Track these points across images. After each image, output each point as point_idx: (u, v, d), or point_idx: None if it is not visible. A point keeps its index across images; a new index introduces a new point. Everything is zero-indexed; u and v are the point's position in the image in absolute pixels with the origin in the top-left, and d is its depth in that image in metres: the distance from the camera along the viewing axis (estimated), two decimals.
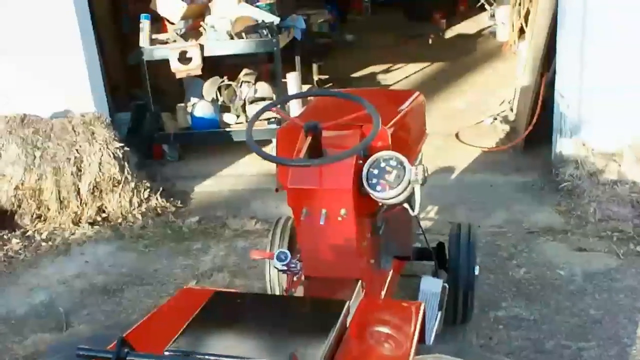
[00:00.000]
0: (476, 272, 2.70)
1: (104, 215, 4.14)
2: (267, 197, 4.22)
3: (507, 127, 5.15)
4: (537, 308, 2.97)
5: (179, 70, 4.80)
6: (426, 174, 1.98)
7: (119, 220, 4.10)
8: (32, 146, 4.08)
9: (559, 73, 4.22)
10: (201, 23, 4.97)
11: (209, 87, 5.13)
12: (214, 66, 5.26)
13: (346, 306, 1.60)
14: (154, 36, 4.91)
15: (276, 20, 4.98)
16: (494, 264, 3.35)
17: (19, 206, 4.05)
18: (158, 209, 4.23)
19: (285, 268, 2.10)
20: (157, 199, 4.28)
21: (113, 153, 4.14)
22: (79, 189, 4.07)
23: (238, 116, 5.07)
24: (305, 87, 5.85)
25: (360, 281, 2.06)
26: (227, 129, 5.01)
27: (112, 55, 5.84)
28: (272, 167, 2.48)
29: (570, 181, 4.03)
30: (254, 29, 4.80)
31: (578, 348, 2.70)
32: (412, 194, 2.00)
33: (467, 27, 8.78)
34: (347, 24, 9.10)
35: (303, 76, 5.96)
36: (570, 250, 3.47)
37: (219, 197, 4.48)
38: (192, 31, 4.99)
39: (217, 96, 5.12)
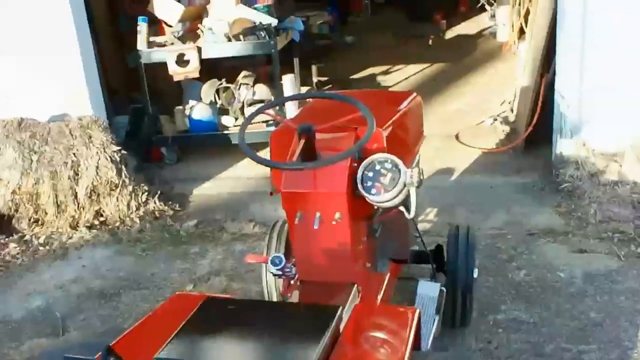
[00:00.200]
0: (475, 275, 2.68)
1: (101, 219, 4.12)
2: (266, 200, 4.18)
3: (507, 128, 5.12)
4: (537, 311, 2.94)
5: (176, 73, 4.78)
6: (422, 177, 1.96)
7: (117, 224, 4.08)
8: (29, 150, 4.06)
9: (559, 73, 4.19)
10: (199, 25, 4.95)
11: (207, 90, 5.11)
12: (213, 68, 5.24)
13: (339, 312, 1.57)
14: (151, 39, 4.89)
15: (274, 22, 4.96)
16: (493, 266, 3.32)
17: (16, 210, 4.03)
18: (156, 213, 4.20)
19: (280, 273, 2.08)
20: (155, 202, 4.26)
21: (110, 156, 4.12)
22: (76, 193, 4.05)
23: (236, 118, 5.05)
24: (304, 89, 5.84)
25: (355, 285, 2.04)
26: (226, 132, 4.99)
27: (110, 58, 5.83)
28: (269, 169, 2.46)
29: (571, 182, 4.00)
30: (252, 31, 4.78)
31: (578, 351, 2.66)
32: (408, 196, 1.97)
33: (467, 27, 8.75)
34: (347, 25, 9.08)
35: (302, 78, 5.95)
36: (570, 251, 3.44)
37: (217, 200, 4.46)
38: (190, 34, 4.97)
39: (215, 99, 5.10)
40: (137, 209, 4.18)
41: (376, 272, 2.29)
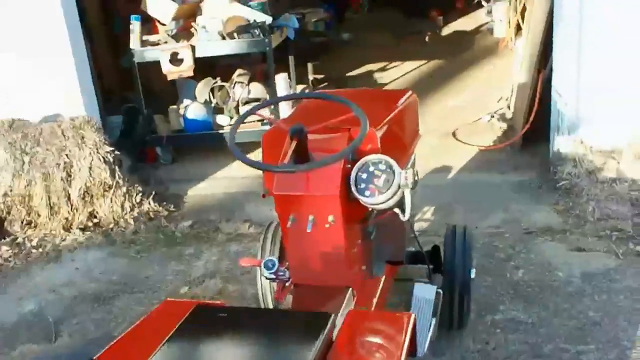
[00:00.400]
0: (472, 276, 2.64)
1: (95, 220, 4.07)
2: (261, 200, 4.11)
3: (504, 125, 5.09)
4: (535, 311, 2.91)
5: (170, 72, 4.73)
6: (416, 178, 1.92)
7: (111, 226, 4.04)
8: (20, 151, 4.02)
9: (556, 70, 4.15)
10: (192, 24, 4.90)
11: (202, 89, 5.07)
12: (208, 67, 5.20)
13: (331, 320, 1.53)
14: (144, 37, 4.84)
15: (268, 19, 4.91)
16: (491, 266, 3.28)
17: (9, 213, 3.99)
18: (150, 214, 4.17)
19: (273, 276, 2.04)
20: (149, 203, 4.22)
21: (103, 157, 4.08)
22: (69, 194, 4.01)
23: (231, 117, 5.01)
24: (300, 87, 5.79)
25: (350, 289, 2.00)
26: (221, 131, 4.95)
27: (104, 58, 5.78)
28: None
29: (569, 180, 3.96)
30: (246, 29, 4.73)
31: (577, 351, 2.63)
32: (403, 198, 1.93)
33: (464, 24, 8.71)
34: (343, 22, 9.03)
35: (298, 76, 5.90)
36: (568, 250, 3.40)
37: (212, 200, 4.42)
38: (184, 32, 4.92)
39: (210, 97, 5.06)
40: (132, 210, 4.14)
41: (371, 275, 2.25)
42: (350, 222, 1.97)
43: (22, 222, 4.01)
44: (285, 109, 4.62)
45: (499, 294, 3.05)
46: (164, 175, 4.84)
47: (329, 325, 1.50)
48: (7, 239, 3.93)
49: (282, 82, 4.97)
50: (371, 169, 1.92)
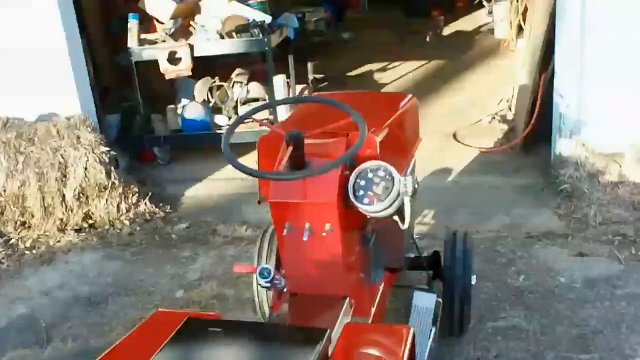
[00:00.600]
0: (473, 282, 2.59)
1: (90, 222, 4.02)
2: None
3: (505, 127, 5.03)
4: (537, 318, 2.86)
5: (168, 71, 4.67)
6: (416, 185, 1.86)
7: (106, 227, 3.98)
8: (14, 151, 3.96)
9: (558, 71, 4.09)
10: (191, 22, 4.84)
11: (200, 88, 5.01)
12: (207, 66, 5.13)
13: (327, 335, 1.48)
14: (142, 36, 4.78)
15: (268, 19, 4.85)
16: (492, 271, 3.23)
17: (2, 213, 3.93)
18: (147, 215, 4.11)
19: (268, 285, 1.98)
20: (145, 204, 4.16)
21: (99, 157, 4.02)
22: (64, 195, 3.95)
23: (230, 117, 4.95)
24: (300, 87, 5.73)
25: (348, 298, 1.95)
26: (219, 131, 4.89)
27: (102, 54, 5.72)
28: None
29: (570, 183, 3.91)
30: (245, 28, 4.67)
31: None
32: (402, 206, 1.88)
33: (464, 24, 8.65)
34: (344, 22, 8.97)
35: (298, 75, 5.84)
36: (570, 255, 3.36)
37: (209, 201, 4.36)
38: (182, 31, 4.86)
39: (208, 97, 5.00)
40: (127, 211, 4.08)
41: (370, 283, 2.19)
42: (347, 230, 1.92)
43: (15, 223, 3.95)
44: (283, 112, 4.56)
45: (500, 300, 3.01)
46: (160, 176, 4.78)
47: (324, 341, 1.45)
48: (0, 240, 3.86)
49: (280, 84, 4.89)
50: (370, 175, 1.87)
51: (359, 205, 1.85)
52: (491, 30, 7.80)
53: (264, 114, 4.62)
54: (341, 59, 7.35)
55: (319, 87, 6.21)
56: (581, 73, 3.92)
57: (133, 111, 5.06)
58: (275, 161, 1.94)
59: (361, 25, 8.74)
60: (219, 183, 4.61)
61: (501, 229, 3.67)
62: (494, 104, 5.45)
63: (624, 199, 3.71)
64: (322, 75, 6.46)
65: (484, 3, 8.09)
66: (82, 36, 4.47)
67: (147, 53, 4.73)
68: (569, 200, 3.83)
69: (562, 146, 4.10)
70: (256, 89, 5.02)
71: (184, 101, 5.00)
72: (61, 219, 3.96)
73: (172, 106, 5.04)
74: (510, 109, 5.18)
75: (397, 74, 6.83)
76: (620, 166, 3.88)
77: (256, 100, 4.95)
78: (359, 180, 1.87)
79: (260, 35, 4.69)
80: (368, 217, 1.99)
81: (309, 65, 6.31)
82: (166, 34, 4.78)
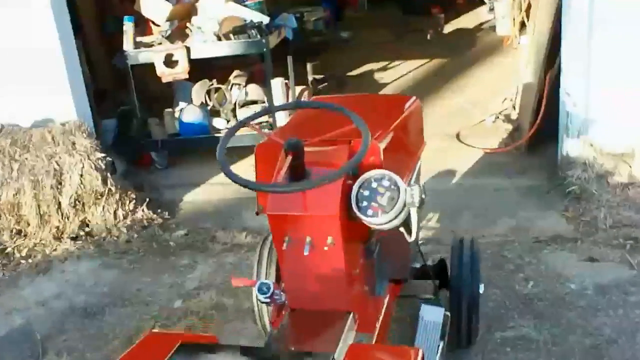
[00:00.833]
0: (481, 291, 2.49)
1: (87, 229, 3.92)
2: None
3: (509, 126, 4.93)
4: (547, 327, 2.76)
5: (165, 74, 4.58)
6: (423, 195, 1.76)
7: (103, 235, 3.89)
8: (9, 158, 3.87)
9: (564, 69, 3.98)
10: (187, 24, 4.75)
11: (198, 91, 4.91)
12: (204, 68, 5.04)
13: None
14: (138, 39, 4.68)
15: (265, 19, 4.76)
16: (499, 278, 3.13)
17: None
18: (144, 221, 4.01)
19: (268, 300, 1.90)
20: (143, 210, 4.07)
21: (95, 164, 3.93)
22: (59, 202, 3.86)
23: (228, 121, 4.85)
24: (299, 88, 5.63)
25: (352, 314, 1.85)
26: (217, 135, 4.79)
27: (98, 56, 5.63)
28: None
29: (578, 184, 3.80)
30: (243, 29, 4.58)
31: None
32: (408, 217, 1.78)
33: (466, 21, 8.56)
34: (343, 21, 8.87)
35: (297, 76, 5.73)
36: (580, 260, 3.25)
37: (208, 206, 4.27)
38: (178, 33, 4.76)
39: (206, 100, 4.90)
40: (125, 218, 3.99)
41: (374, 296, 2.10)
42: (350, 243, 1.82)
43: (11, 232, 3.86)
44: (282, 116, 4.46)
45: (508, 309, 2.91)
46: (158, 181, 4.69)
47: None
48: None
49: (278, 87, 4.78)
50: (374, 185, 1.76)
51: (362, 217, 1.75)
52: (493, 28, 7.70)
53: (263, 118, 4.52)
54: (341, 59, 7.25)
55: (318, 88, 6.10)
56: (589, 70, 3.80)
57: (130, 115, 4.96)
58: (274, 170, 1.84)
59: (361, 24, 8.65)
60: (218, 188, 4.51)
61: (508, 233, 3.57)
62: (497, 103, 5.34)
63: (634, 200, 3.61)
64: (322, 76, 6.36)
65: (485, 0, 8.00)
66: (78, 36, 4.38)
67: (143, 56, 4.63)
68: (577, 203, 3.73)
69: (570, 146, 4.00)
70: (255, 91, 4.92)
71: (182, 104, 4.90)
72: (57, 227, 3.87)
73: (170, 110, 4.94)
74: (514, 108, 5.08)
75: (397, 74, 6.73)
76: (630, 166, 3.78)
77: (255, 102, 4.86)
78: (362, 191, 1.77)
79: (258, 36, 4.60)
80: (372, 229, 1.89)
81: (309, 65, 6.21)
82: (162, 36, 4.69)
